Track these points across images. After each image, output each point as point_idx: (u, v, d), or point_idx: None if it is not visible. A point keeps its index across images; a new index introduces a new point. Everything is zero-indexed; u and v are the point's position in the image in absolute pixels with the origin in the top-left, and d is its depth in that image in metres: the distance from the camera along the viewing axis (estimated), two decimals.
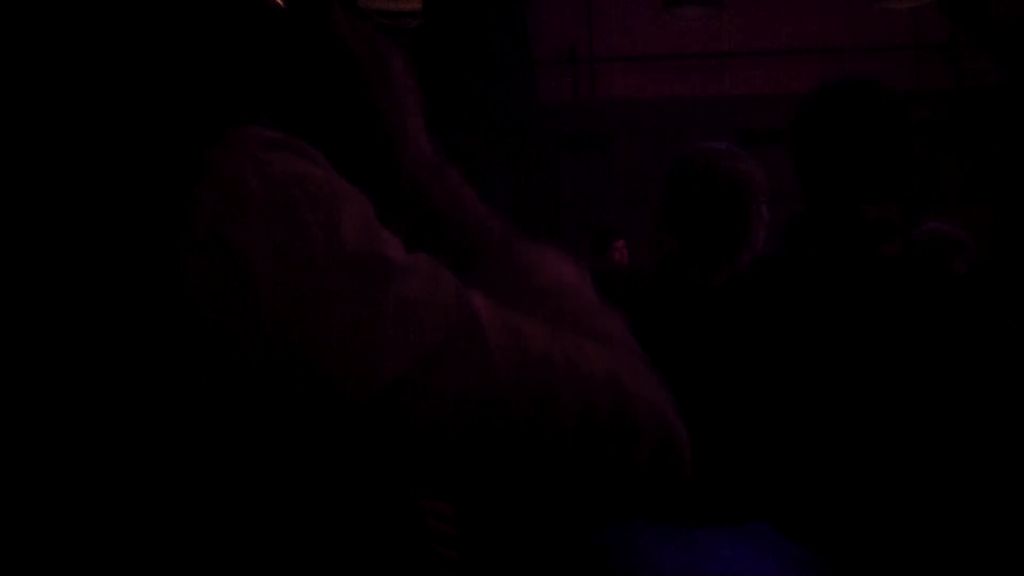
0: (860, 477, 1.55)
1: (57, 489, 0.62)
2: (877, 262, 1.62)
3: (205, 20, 0.71)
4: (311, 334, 0.61)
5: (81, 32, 0.67)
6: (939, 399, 1.53)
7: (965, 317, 1.57)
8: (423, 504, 0.84)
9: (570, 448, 0.67)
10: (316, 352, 0.61)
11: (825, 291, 1.64)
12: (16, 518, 0.62)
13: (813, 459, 1.58)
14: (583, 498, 0.70)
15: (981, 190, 7.13)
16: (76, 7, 0.68)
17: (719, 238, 2.26)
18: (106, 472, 0.62)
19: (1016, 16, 6.30)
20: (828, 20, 7.67)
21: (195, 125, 0.63)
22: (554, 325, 0.70)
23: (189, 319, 0.60)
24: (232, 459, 0.63)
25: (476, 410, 0.64)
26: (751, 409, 1.65)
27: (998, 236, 6.52)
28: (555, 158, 7.29)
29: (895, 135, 1.68)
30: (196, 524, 0.63)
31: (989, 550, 1.50)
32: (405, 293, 0.64)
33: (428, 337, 0.64)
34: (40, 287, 0.61)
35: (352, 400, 0.62)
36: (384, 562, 0.66)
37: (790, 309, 1.66)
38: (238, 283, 0.61)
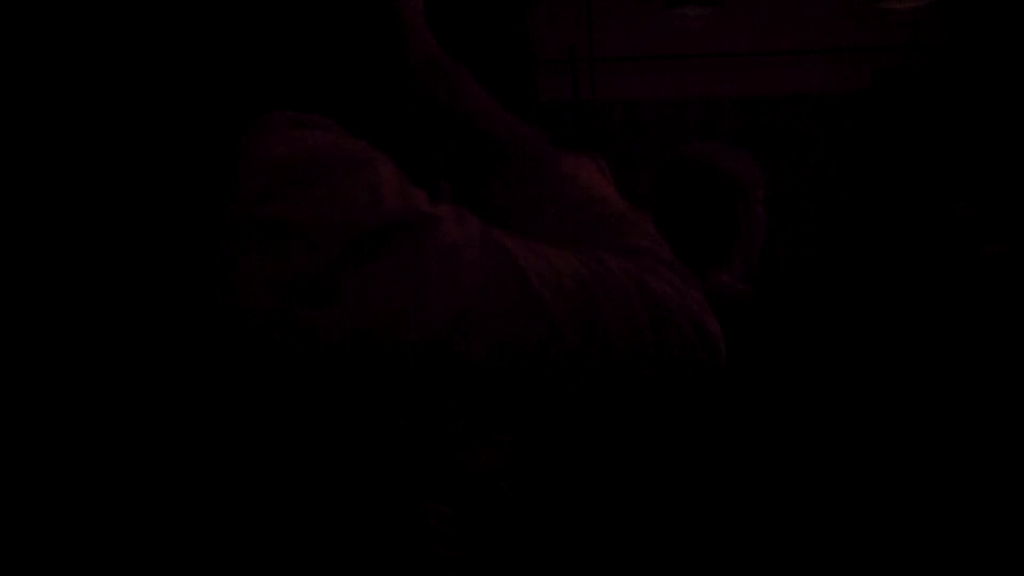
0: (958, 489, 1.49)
1: (96, 470, 0.62)
2: (981, 262, 1.53)
3: (232, 16, 0.72)
4: (365, 291, 0.63)
5: (114, 30, 0.68)
6: None
7: None
8: (424, 506, 0.84)
9: (615, 357, 0.69)
10: (372, 306, 0.63)
11: (938, 293, 1.54)
12: (57, 498, 0.63)
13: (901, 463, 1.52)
14: (627, 400, 0.72)
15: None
16: (115, 5, 0.69)
17: (710, 238, 2.24)
18: (141, 456, 0.62)
19: (1015, 16, 6.29)
20: (828, 20, 7.67)
21: (225, 116, 0.65)
22: (577, 241, 0.72)
23: (242, 300, 0.62)
24: (252, 451, 0.64)
25: (528, 338, 0.66)
26: (844, 413, 1.58)
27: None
28: None
29: (972, 124, 1.59)
30: (204, 519, 0.63)
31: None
32: (442, 241, 0.66)
33: (473, 277, 0.66)
34: (85, 278, 0.62)
35: (411, 347, 0.64)
36: (385, 562, 0.66)
37: (904, 313, 1.56)
38: (287, 256, 0.62)
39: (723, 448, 1.69)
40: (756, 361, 1.68)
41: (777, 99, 7.55)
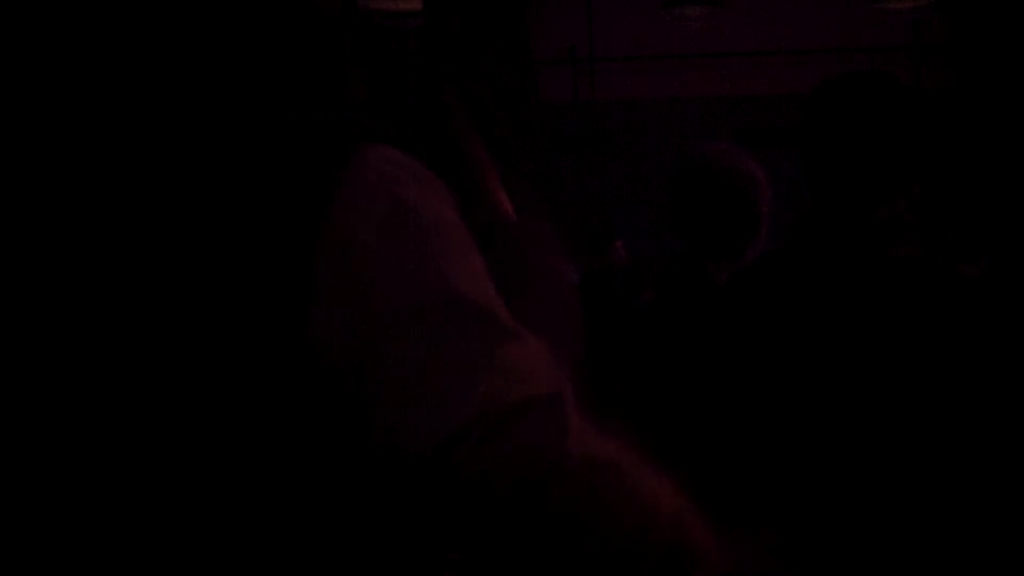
0: (861, 479, 1.53)
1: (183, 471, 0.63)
2: (885, 263, 1.59)
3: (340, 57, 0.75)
4: (404, 349, 0.64)
5: (231, 68, 0.71)
6: (944, 405, 1.51)
7: (974, 322, 1.54)
8: None
9: (604, 559, 0.66)
10: (405, 369, 0.63)
11: (832, 292, 1.61)
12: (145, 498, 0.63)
13: (815, 460, 1.57)
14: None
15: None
16: (235, 48, 0.71)
17: (730, 237, 2.26)
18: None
19: (1015, 16, 6.29)
20: (828, 20, 7.67)
21: (329, 147, 0.66)
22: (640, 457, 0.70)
23: (320, 317, 0.63)
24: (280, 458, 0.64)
25: (533, 479, 0.65)
26: (755, 409, 1.64)
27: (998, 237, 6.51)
28: (555, 158, 7.30)
29: (908, 129, 1.63)
30: (214, 523, 0.64)
31: (990, 551, 1.49)
32: (501, 350, 0.66)
33: (510, 396, 0.65)
34: (192, 290, 0.64)
35: (423, 432, 0.63)
36: (386, 562, 0.66)
37: (797, 308, 1.63)
38: (357, 285, 0.63)
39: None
40: (714, 359, 1.74)
41: (777, 99, 7.55)
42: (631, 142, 7.82)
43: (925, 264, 1.59)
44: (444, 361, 0.64)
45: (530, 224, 0.86)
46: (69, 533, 0.63)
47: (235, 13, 0.71)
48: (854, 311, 1.58)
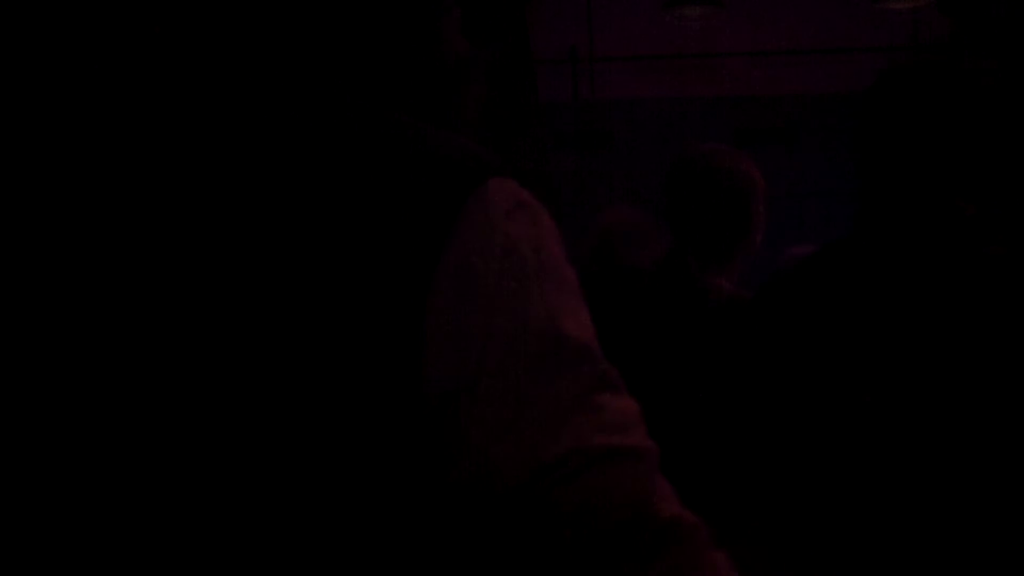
0: (947, 484, 1.47)
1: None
2: (985, 263, 1.48)
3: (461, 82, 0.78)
4: (506, 382, 0.64)
5: (379, 99, 0.73)
6: None
7: None
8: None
9: None
10: (505, 401, 0.64)
11: (936, 289, 1.49)
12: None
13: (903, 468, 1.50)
14: None
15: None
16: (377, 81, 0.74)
17: (721, 238, 2.26)
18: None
19: (1015, 16, 6.29)
20: (828, 20, 7.67)
21: (454, 178, 0.67)
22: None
23: (431, 348, 0.63)
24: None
25: (617, 529, 0.65)
26: (831, 409, 1.56)
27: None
28: (555, 158, 7.29)
29: (991, 120, 1.53)
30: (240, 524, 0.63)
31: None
32: (602, 395, 0.67)
33: (605, 440, 0.66)
34: (318, 304, 0.64)
35: (514, 465, 0.64)
36: (387, 562, 0.66)
37: (898, 312, 1.51)
38: (469, 316, 0.64)
39: (722, 454, 1.69)
40: (754, 366, 1.68)
41: (777, 99, 7.55)
42: (631, 142, 7.82)
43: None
44: (544, 397, 0.65)
45: None
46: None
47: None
48: (967, 312, 1.47)
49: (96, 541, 0.62)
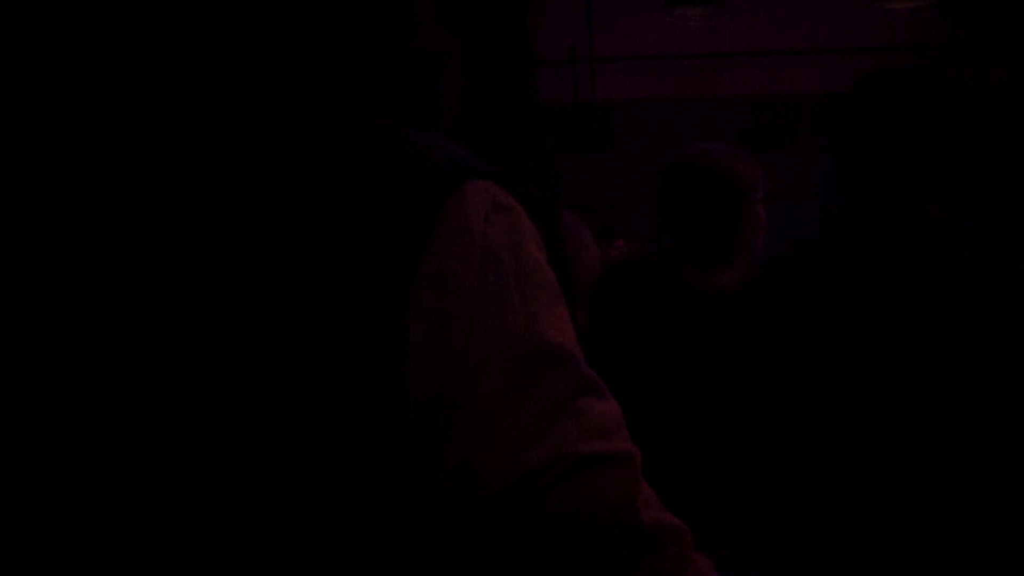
0: (917, 482, 1.48)
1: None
2: (953, 263, 1.51)
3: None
4: (486, 388, 0.64)
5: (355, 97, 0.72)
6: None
7: None
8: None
9: None
10: (485, 407, 0.63)
11: (897, 290, 1.53)
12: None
13: (869, 464, 1.51)
14: None
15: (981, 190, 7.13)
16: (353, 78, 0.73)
17: (711, 238, 2.26)
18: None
19: (1015, 16, 6.29)
20: (828, 20, 7.67)
21: (431, 182, 0.66)
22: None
23: (411, 354, 0.63)
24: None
25: (601, 533, 0.65)
26: (799, 410, 1.58)
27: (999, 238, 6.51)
28: (555, 158, 7.29)
29: (955, 125, 1.57)
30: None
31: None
32: (584, 400, 0.66)
33: (587, 446, 0.65)
34: (296, 306, 0.63)
35: (496, 471, 0.64)
36: (372, 569, 0.66)
37: (855, 308, 1.55)
38: (449, 322, 0.63)
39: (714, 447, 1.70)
40: (741, 359, 1.69)
41: (777, 99, 7.56)
42: (631, 142, 7.82)
43: (993, 263, 1.52)
44: (525, 402, 0.64)
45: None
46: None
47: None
48: (925, 310, 1.51)
49: (73, 540, 0.62)
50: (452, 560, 0.65)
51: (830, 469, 1.53)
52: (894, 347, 1.52)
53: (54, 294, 0.63)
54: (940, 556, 1.48)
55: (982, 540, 1.46)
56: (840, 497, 1.52)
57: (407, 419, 0.62)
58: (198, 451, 0.61)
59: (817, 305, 1.60)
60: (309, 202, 0.64)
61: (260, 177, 0.64)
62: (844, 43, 7.43)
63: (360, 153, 0.66)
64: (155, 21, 0.70)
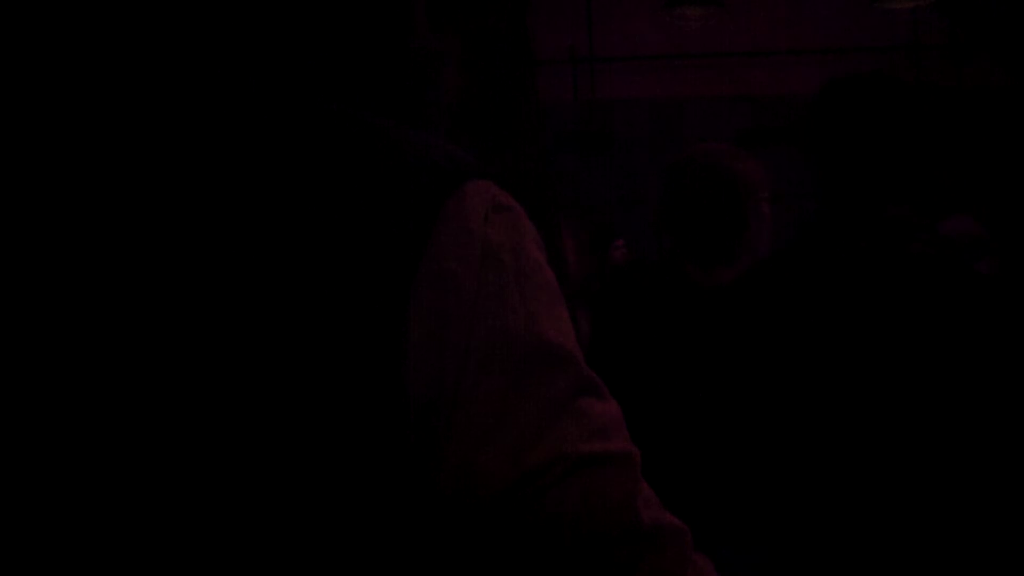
0: (875, 480, 1.52)
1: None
2: (904, 260, 1.56)
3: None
4: (486, 388, 0.64)
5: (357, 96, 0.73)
6: (963, 402, 1.49)
7: (997, 318, 1.52)
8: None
9: None
10: (486, 407, 0.63)
11: (848, 289, 1.59)
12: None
13: (828, 463, 1.55)
14: None
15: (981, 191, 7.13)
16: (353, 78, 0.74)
17: (716, 237, 2.25)
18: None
19: (1015, 16, 6.29)
20: (828, 20, 7.68)
21: (439, 176, 0.66)
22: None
23: (411, 354, 0.62)
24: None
25: (602, 533, 0.65)
26: (765, 411, 1.62)
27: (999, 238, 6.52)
28: (555, 158, 7.30)
29: (918, 129, 1.63)
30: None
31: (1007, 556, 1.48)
32: (583, 400, 0.66)
33: (587, 446, 0.65)
34: (294, 307, 0.63)
35: (496, 471, 0.64)
36: (372, 569, 0.66)
37: (810, 307, 1.61)
38: (449, 322, 0.63)
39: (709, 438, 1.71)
40: (714, 366, 1.72)
41: (777, 99, 7.55)
42: (631, 142, 7.82)
43: (942, 261, 1.57)
44: (525, 403, 0.64)
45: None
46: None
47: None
48: (873, 307, 1.56)
49: (73, 540, 0.62)
50: (452, 560, 0.65)
51: (800, 467, 1.56)
52: (836, 345, 1.56)
53: (54, 294, 0.63)
54: (919, 552, 1.49)
55: (964, 538, 1.48)
56: (824, 498, 1.54)
57: (407, 419, 0.62)
58: (199, 451, 0.61)
59: (774, 306, 1.65)
60: (309, 202, 0.64)
61: (260, 177, 0.64)
62: (844, 43, 7.43)
63: (360, 153, 0.66)
64: (155, 22, 0.70)
